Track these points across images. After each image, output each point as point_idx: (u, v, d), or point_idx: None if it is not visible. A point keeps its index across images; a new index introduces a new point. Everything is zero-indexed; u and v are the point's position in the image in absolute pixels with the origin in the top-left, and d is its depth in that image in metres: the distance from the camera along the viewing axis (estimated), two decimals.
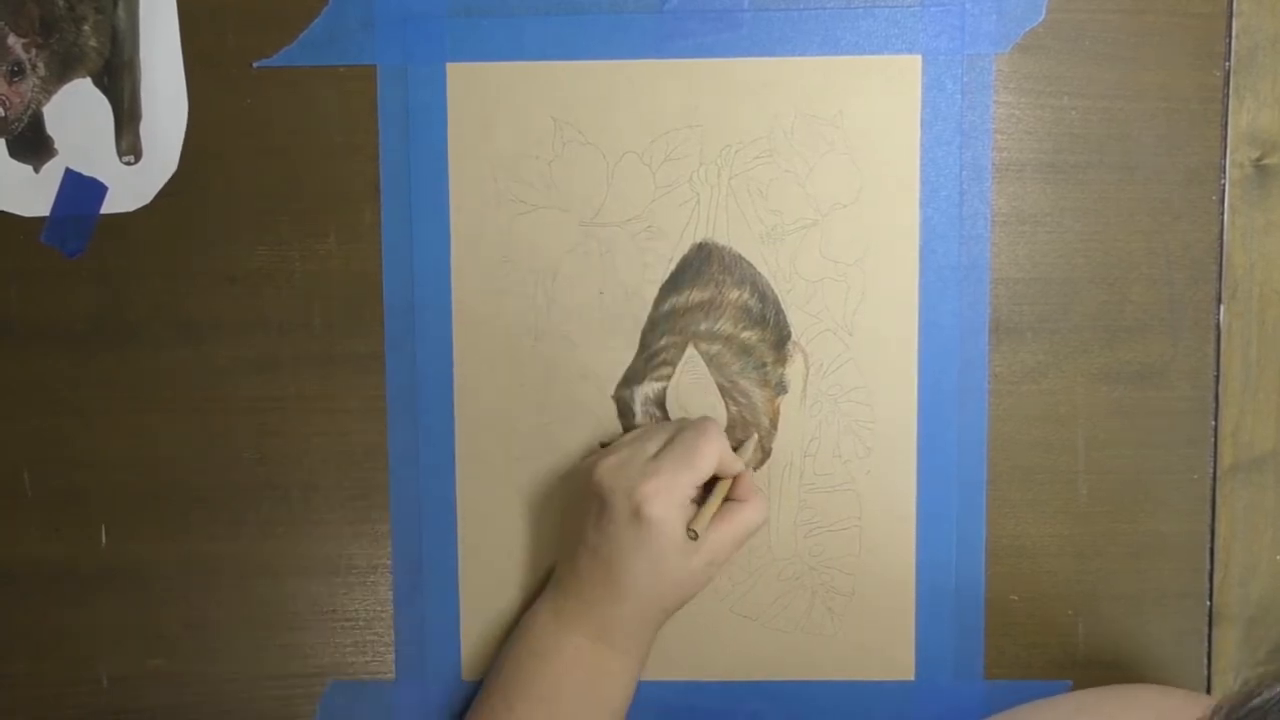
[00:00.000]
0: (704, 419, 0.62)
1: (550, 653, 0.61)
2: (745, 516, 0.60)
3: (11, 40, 0.63)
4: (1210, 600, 0.65)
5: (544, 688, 0.60)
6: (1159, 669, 0.65)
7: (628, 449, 0.60)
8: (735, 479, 0.61)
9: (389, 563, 0.66)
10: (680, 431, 0.60)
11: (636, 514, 0.57)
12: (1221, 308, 0.64)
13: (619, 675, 0.61)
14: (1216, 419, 0.65)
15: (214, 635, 0.66)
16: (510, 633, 0.64)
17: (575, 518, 0.62)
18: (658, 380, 0.64)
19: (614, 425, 0.65)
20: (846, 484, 0.65)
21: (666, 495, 0.58)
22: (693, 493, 0.59)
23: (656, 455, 0.59)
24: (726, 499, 0.61)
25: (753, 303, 0.64)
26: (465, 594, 0.66)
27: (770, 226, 0.64)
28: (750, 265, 0.64)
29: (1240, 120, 0.63)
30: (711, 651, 0.66)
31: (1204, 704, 0.41)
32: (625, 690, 0.61)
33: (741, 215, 0.64)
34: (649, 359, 0.64)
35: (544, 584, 0.65)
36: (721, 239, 0.64)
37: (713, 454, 0.59)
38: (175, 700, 0.67)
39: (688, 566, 0.58)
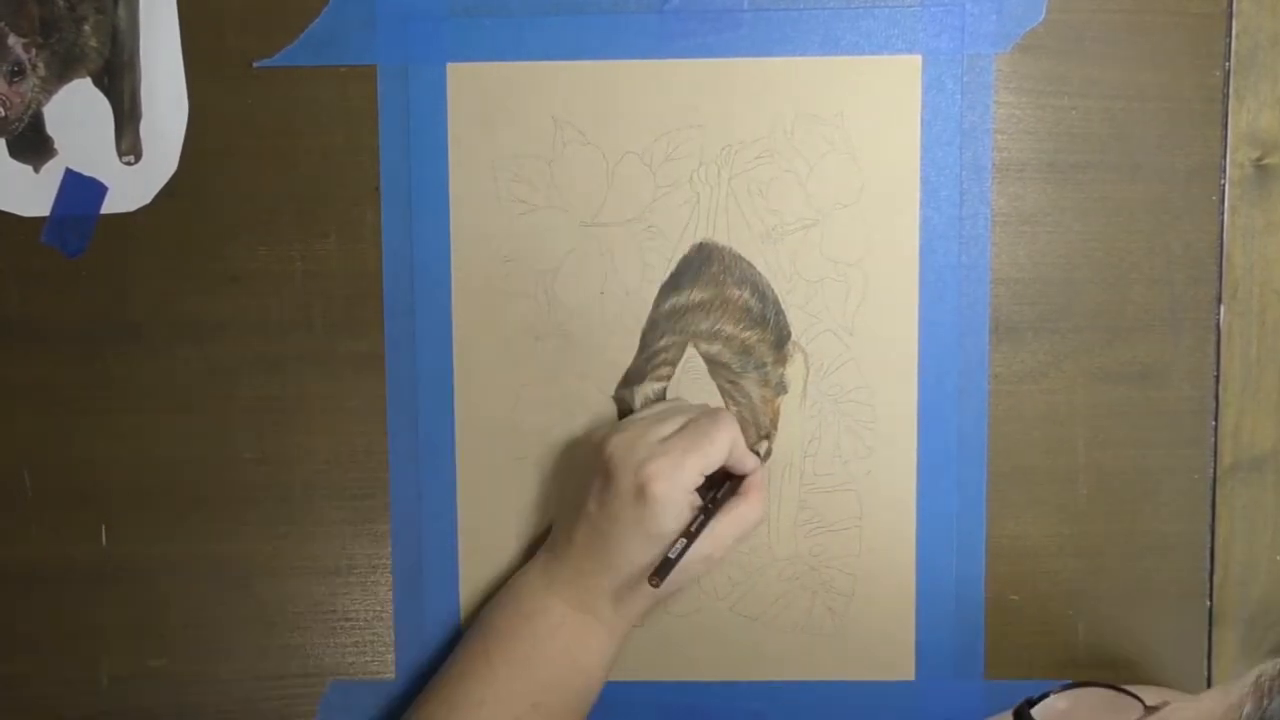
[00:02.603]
0: (721, 409, 0.62)
1: (535, 614, 0.61)
2: (743, 513, 0.60)
3: (12, 40, 0.63)
4: (1210, 600, 0.65)
5: (524, 648, 0.60)
6: (1159, 669, 0.65)
7: (640, 426, 0.60)
8: (743, 477, 0.61)
9: (389, 563, 0.66)
10: (696, 418, 0.60)
11: (640, 492, 0.57)
12: (1222, 307, 0.64)
13: (598, 650, 0.61)
14: (1216, 419, 0.65)
15: (214, 635, 0.66)
16: (500, 588, 0.64)
17: (577, 486, 0.62)
18: (658, 380, 0.64)
19: None
20: (847, 484, 0.65)
21: (672, 476, 0.57)
22: (699, 479, 0.58)
23: (669, 437, 0.59)
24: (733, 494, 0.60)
25: (753, 303, 0.64)
26: (465, 594, 0.66)
27: (770, 226, 0.64)
28: (750, 265, 0.64)
29: (1240, 120, 0.63)
30: (712, 651, 0.66)
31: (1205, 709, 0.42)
32: (602, 666, 0.61)
33: (742, 215, 0.64)
34: (649, 359, 0.64)
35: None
36: (722, 239, 0.64)
37: (725, 443, 0.59)
38: (175, 700, 0.67)
39: (685, 557, 0.58)
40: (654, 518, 0.57)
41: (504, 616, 0.62)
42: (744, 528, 0.60)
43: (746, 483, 0.61)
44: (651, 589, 0.57)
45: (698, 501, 0.59)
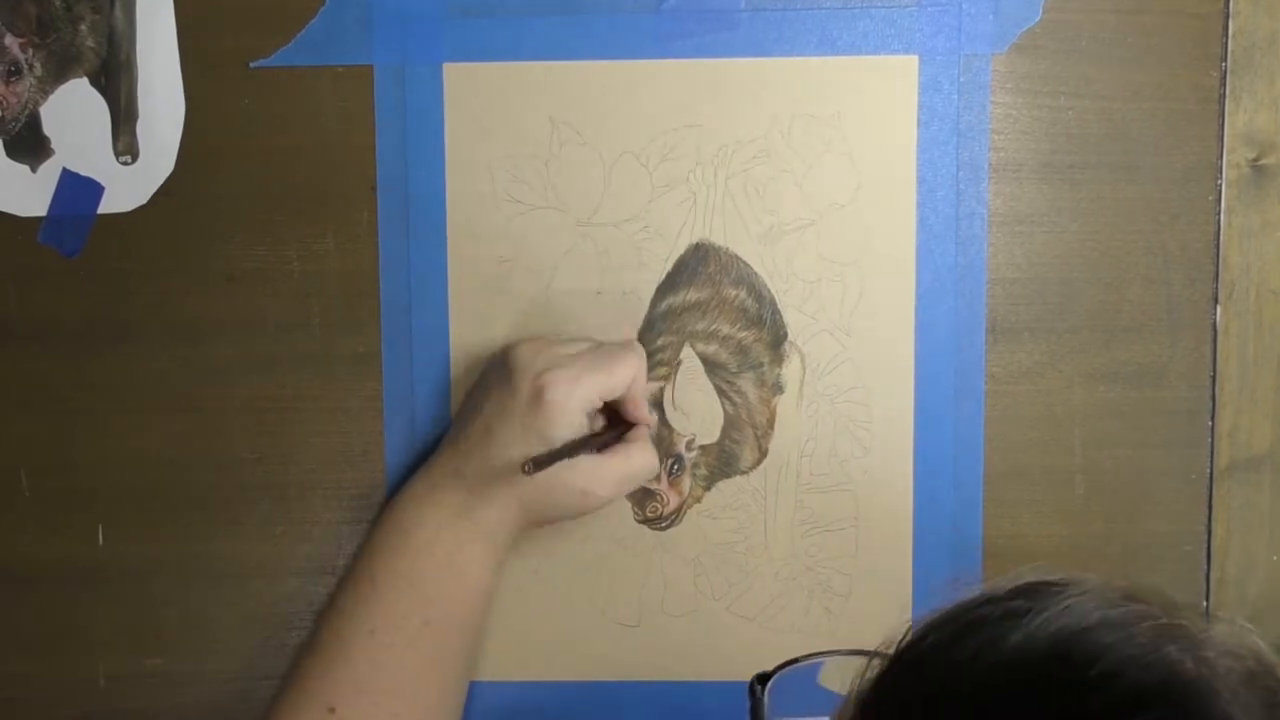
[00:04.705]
0: (633, 341, 0.62)
1: (412, 529, 0.60)
2: (631, 455, 0.60)
3: (8, 40, 0.63)
4: (1207, 600, 0.65)
5: (405, 564, 0.60)
6: None
7: (549, 339, 0.61)
8: (632, 427, 0.61)
9: None
10: (606, 344, 0.61)
11: (537, 396, 0.58)
12: (1218, 308, 0.64)
13: (480, 558, 0.60)
14: (1213, 419, 0.65)
15: (211, 635, 0.66)
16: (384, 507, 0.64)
17: (478, 390, 0.62)
18: (655, 380, 0.64)
19: None
20: (843, 484, 0.65)
21: (570, 388, 0.58)
22: (595, 401, 0.59)
23: (575, 354, 0.60)
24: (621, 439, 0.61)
25: (749, 303, 0.64)
26: None
27: (767, 227, 0.64)
28: (747, 265, 0.64)
29: (1237, 120, 0.63)
30: (709, 651, 0.66)
31: None
32: (486, 575, 0.61)
33: (738, 215, 0.64)
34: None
35: (537, 581, 0.65)
36: (718, 239, 0.64)
37: (627, 374, 0.59)
38: (172, 700, 0.67)
39: (563, 475, 0.58)
40: (545, 422, 0.58)
41: (384, 534, 0.62)
42: (629, 471, 0.60)
43: (634, 431, 0.61)
44: (528, 495, 0.58)
45: (587, 426, 0.59)
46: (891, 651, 0.38)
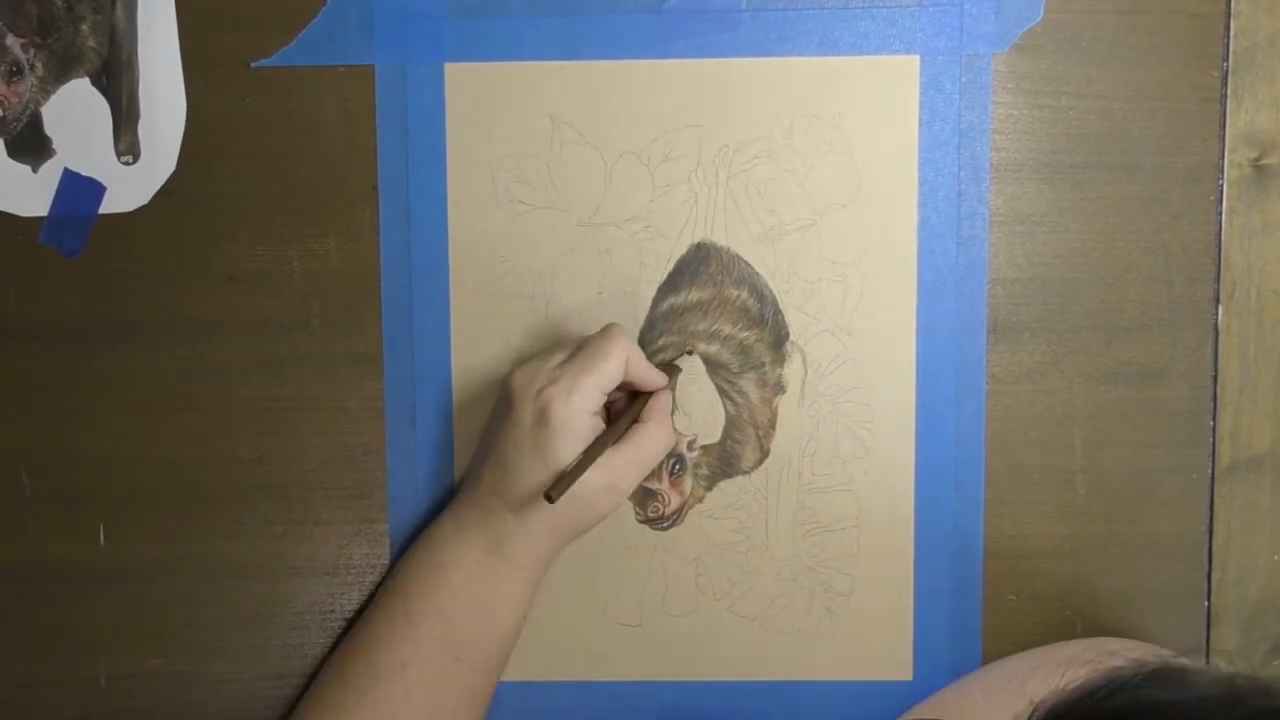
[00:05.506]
0: (611, 325, 0.61)
1: (448, 564, 0.61)
2: (642, 438, 0.59)
3: (10, 40, 0.63)
4: (1208, 600, 0.65)
5: (441, 600, 0.60)
6: None
7: (541, 356, 0.60)
8: (648, 399, 0.61)
9: (387, 563, 0.66)
10: (589, 339, 0.60)
11: (540, 417, 0.57)
12: (1219, 308, 0.64)
13: (512, 596, 0.60)
14: (1214, 419, 0.65)
15: (213, 635, 0.66)
16: (415, 542, 0.64)
17: (489, 431, 0.62)
18: None
19: None
20: (845, 484, 0.65)
21: (568, 399, 0.57)
22: (598, 399, 0.58)
23: (563, 362, 0.59)
24: (635, 421, 0.60)
25: (751, 303, 0.64)
26: None
27: (768, 227, 0.64)
28: (748, 265, 0.64)
29: (1238, 120, 0.63)
30: (710, 651, 0.66)
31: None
32: (516, 613, 0.61)
33: (740, 215, 0.64)
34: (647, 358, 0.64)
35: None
36: (720, 239, 0.64)
37: (618, 359, 0.58)
38: (174, 700, 0.67)
39: (586, 484, 0.57)
40: (551, 442, 0.57)
41: (418, 570, 0.62)
42: (645, 454, 0.60)
43: (648, 407, 0.60)
44: (559, 518, 0.58)
45: (600, 425, 0.59)
46: None
